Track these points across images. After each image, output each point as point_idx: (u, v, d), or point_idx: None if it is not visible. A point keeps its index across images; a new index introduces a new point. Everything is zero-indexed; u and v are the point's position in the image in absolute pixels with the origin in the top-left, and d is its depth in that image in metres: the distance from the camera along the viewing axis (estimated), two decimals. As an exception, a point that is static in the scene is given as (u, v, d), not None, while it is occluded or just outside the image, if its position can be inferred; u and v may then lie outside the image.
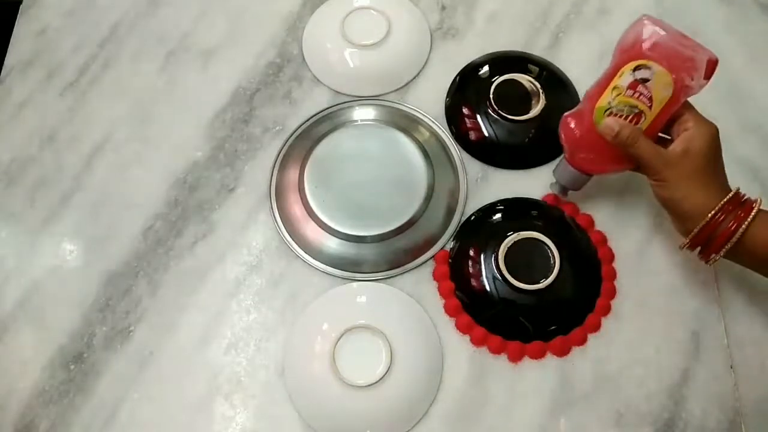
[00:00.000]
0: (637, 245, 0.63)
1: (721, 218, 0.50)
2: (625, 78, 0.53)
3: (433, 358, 0.58)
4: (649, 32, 0.53)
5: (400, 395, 0.56)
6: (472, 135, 0.68)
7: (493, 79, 0.68)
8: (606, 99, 0.54)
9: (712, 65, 0.52)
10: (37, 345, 0.60)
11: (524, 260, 0.60)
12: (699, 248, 0.53)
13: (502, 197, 0.65)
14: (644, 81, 0.52)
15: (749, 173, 0.66)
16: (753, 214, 0.50)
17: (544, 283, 0.59)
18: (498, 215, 0.64)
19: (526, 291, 0.59)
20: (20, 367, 0.59)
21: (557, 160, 0.61)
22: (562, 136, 0.58)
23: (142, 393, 0.58)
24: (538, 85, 0.67)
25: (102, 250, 0.64)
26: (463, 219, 0.65)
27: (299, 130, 0.69)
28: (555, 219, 0.64)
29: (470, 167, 0.67)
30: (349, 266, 0.62)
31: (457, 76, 0.71)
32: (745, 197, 0.52)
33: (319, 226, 0.63)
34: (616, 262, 0.62)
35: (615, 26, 0.74)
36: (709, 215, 0.50)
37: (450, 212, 0.65)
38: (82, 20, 0.75)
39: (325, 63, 0.72)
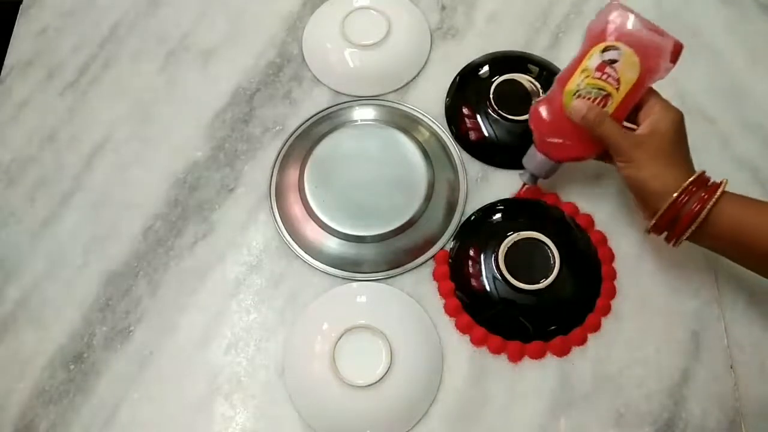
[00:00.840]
0: (637, 245, 0.63)
1: (685, 199, 0.51)
2: (593, 60, 0.54)
3: (433, 358, 0.58)
4: (618, 16, 0.54)
5: (400, 395, 0.56)
6: (472, 135, 0.68)
7: (493, 79, 0.68)
8: (575, 82, 0.55)
9: (677, 50, 0.53)
10: (37, 345, 0.60)
11: (524, 260, 0.60)
12: (665, 233, 0.53)
13: (502, 197, 0.65)
14: (612, 62, 0.53)
15: (749, 173, 0.66)
16: (717, 195, 0.50)
17: (544, 283, 0.59)
18: (498, 215, 0.64)
19: (526, 291, 0.59)
20: (20, 367, 0.59)
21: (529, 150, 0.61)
22: (532, 122, 0.58)
23: (142, 393, 0.58)
24: (538, 85, 0.67)
25: (102, 250, 0.64)
26: (463, 219, 0.65)
27: (299, 130, 0.69)
28: (555, 219, 0.64)
29: (470, 167, 0.67)
30: (349, 266, 0.62)
31: (457, 76, 0.72)
32: (711, 179, 0.52)
33: (319, 226, 0.63)
34: (616, 262, 0.62)
35: (615, 26, 0.74)
36: (674, 195, 0.50)
37: (450, 212, 0.65)
38: (82, 20, 0.75)
39: (325, 63, 0.72)
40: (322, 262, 0.63)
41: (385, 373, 0.55)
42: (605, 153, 0.56)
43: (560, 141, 0.57)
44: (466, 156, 0.68)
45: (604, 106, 0.54)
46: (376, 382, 0.55)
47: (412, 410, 0.57)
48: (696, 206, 0.50)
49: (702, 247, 0.54)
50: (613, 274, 0.62)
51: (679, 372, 0.58)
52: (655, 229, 0.54)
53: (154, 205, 0.66)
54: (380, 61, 0.70)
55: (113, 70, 0.73)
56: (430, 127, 0.69)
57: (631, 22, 0.53)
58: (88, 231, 0.65)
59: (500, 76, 0.68)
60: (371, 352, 0.56)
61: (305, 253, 0.63)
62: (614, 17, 0.54)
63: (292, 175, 0.66)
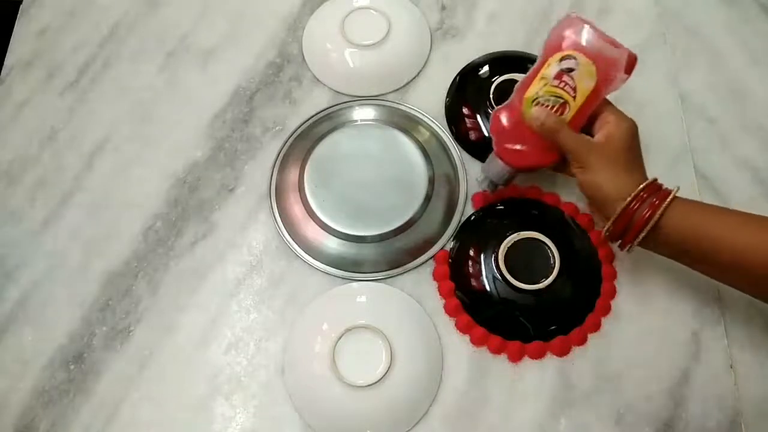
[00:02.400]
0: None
1: (637, 205, 0.51)
2: (551, 68, 0.55)
3: (433, 358, 0.58)
4: (576, 28, 0.56)
5: (400, 395, 0.56)
6: (472, 135, 0.68)
7: (493, 79, 0.68)
8: (534, 89, 0.56)
9: (632, 61, 0.54)
10: (37, 345, 0.60)
11: (524, 260, 0.60)
12: (619, 238, 0.54)
13: (502, 197, 0.65)
14: (569, 71, 0.55)
15: (749, 173, 0.66)
16: (668, 200, 0.51)
17: (544, 283, 0.59)
18: (498, 215, 0.64)
19: (526, 291, 0.59)
20: (20, 367, 0.59)
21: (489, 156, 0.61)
22: (492, 128, 0.59)
23: (142, 393, 0.58)
24: (538, 85, 0.67)
25: (102, 250, 0.64)
26: (463, 219, 0.65)
27: (299, 130, 0.69)
28: (555, 219, 0.64)
29: (470, 167, 0.67)
30: (349, 266, 0.62)
31: (457, 76, 0.71)
32: (663, 186, 0.53)
33: (319, 226, 0.63)
34: (616, 262, 0.62)
35: (615, 26, 0.73)
36: (627, 200, 0.51)
37: (450, 212, 0.65)
38: (82, 20, 0.75)
39: (325, 63, 0.72)
40: (322, 262, 0.63)
41: (385, 373, 0.55)
42: (562, 164, 0.57)
43: (519, 148, 0.58)
44: (466, 156, 0.68)
45: (562, 114, 0.55)
46: (376, 382, 0.55)
47: (412, 410, 0.57)
48: (647, 212, 0.51)
49: (657, 253, 0.54)
50: (613, 274, 0.62)
51: (679, 372, 0.58)
52: (611, 236, 0.54)
53: (154, 205, 0.66)
54: (380, 61, 0.70)
55: (113, 70, 0.73)
56: (430, 127, 0.69)
57: (588, 34, 0.55)
58: (88, 231, 0.65)
59: (500, 76, 0.68)
60: (371, 352, 0.56)
61: (305, 253, 0.63)
62: (572, 29, 0.56)
63: (292, 175, 0.66)
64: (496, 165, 0.59)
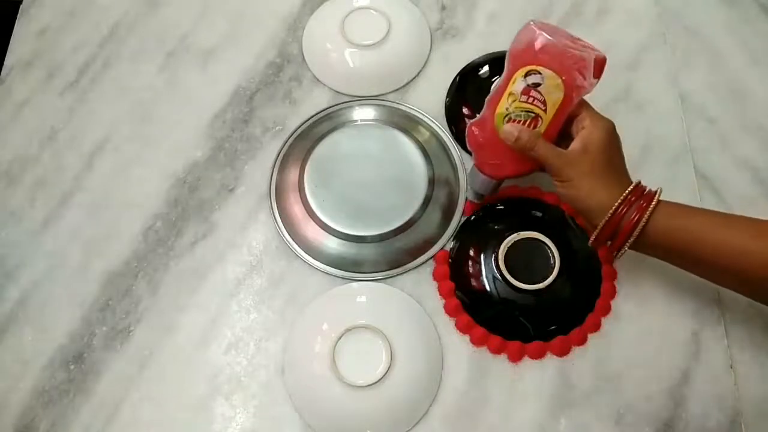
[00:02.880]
0: (637, 245, 0.63)
1: (624, 211, 0.51)
2: (518, 84, 0.54)
3: (433, 358, 0.58)
4: (537, 37, 0.54)
5: (400, 395, 0.56)
6: (472, 135, 0.68)
7: (493, 79, 0.68)
8: (503, 105, 0.55)
9: (600, 63, 0.53)
10: (37, 345, 0.60)
11: (524, 260, 0.60)
12: (609, 243, 0.54)
13: (502, 197, 0.65)
14: (536, 86, 0.54)
15: (749, 173, 0.66)
16: (654, 203, 0.51)
17: (544, 283, 0.59)
18: (498, 215, 0.64)
19: (526, 291, 0.59)
20: (20, 367, 0.59)
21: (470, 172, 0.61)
22: (469, 143, 0.59)
23: (142, 393, 0.58)
24: (538, 85, 0.67)
25: (102, 250, 0.64)
26: (463, 219, 0.65)
27: (299, 130, 0.69)
28: (555, 219, 0.64)
29: (470, 167, 0.67)
30: (349, 266, 0.62)
31: (457, 76, 0.71)
32: (647, 188, 0.53)
33: (319, 226, 0.63)
34: (616, 262, 0.62)
35: (614, 26, 0.74)
36: (613, 208, 0.51)
37: (450, 212, 0.65)
38: (82, 20, 0.75)
39: (325, 63, 0.72)
40: (322, 262, 0.63)
41: (385, 373, 0.55)
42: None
43: (497, 162, 0.58)
44: (466, 156, 0.68)
45: (535, 127, 0.55)
46: (376, 382, 0.55)
47: (412, 410, 0.57)
48: (635, 216, 0.51)
49: (649, 256, 0.54)
50: (613, 274, 0.62)
51: (679, 372, 0.58)
52: (596, 243, 0.54)
53: (154, 205, 0.66)
54: (380, 61, 0.70)
55: (113, 70, 0.73)
56: (430, 127, 0.69)
57: (550, 43, 0.53)
58: (88, 231, 0.65)
59: (500, 76, 0.68)
60: (371, 352, 0.56)
61: (305, 253, 0.63)
62: (533, 39, 0.54)
63: (292, 175, 0.66)
64: (478, 177, 0.59)
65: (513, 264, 0.60)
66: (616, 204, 0.51)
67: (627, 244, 0.52)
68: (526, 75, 0.54)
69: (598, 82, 0.54)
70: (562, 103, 0.54)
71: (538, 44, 0.53)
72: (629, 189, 0.52)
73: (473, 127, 0.58)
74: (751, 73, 0.71)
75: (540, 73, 0.53)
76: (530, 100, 0.54)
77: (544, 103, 0.54)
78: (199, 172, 0.67)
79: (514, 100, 0.55)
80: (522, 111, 0.54)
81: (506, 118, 0.55)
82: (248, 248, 0.64)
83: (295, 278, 0.62)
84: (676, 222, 0.51)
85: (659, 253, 0.54)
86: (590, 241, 0.54)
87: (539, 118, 0.54)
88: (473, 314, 0.60)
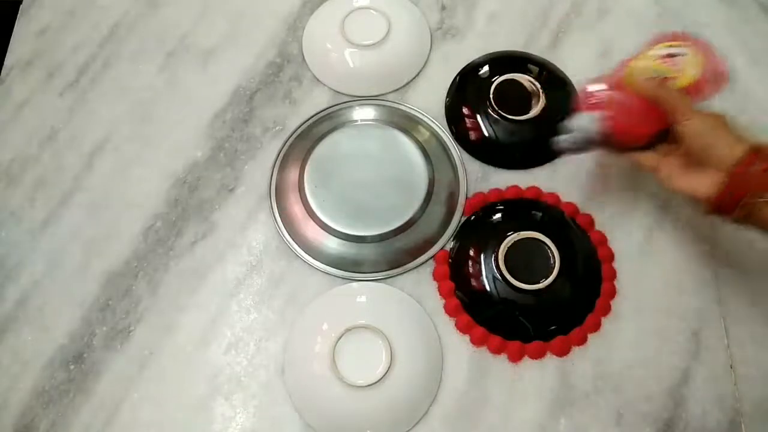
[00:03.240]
0: (637, 245, 0.63)
1: (754, 161, 0.48)
2: (659, 51, 0.56)
3: (433, 358, 0.58)
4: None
5: (400, 395, 0.56)
6: (472, 135, 0.68)
7: (493, 79, 0.68)
8: (641, 62, 0.56)
9: (723, 77, 0.55)
10: (37, 345, 0.60)
11: (524, 260, 0.60)
12: (722, 206, 0.50)
13: (502, 197, 0.65)
14: (677, 55, 0.55)
15: (749, 173, 0.66)
16: None
17: (544, 283, 0.59)
18: (498, 215, 0.64)
19: (526, 291, 0.59)
20: (20, 367, 0.59)
21: (576, 119, 0.58)
22: (599, 100, 0.57)
23: (142, 393, 0.58)
24: (538, 85, 0.67)
25: (102, 250, 0.64)
26: (463, 219, 0.65)
27: (299, 130, 0.69)
28: (555, 219, 0.64)
29: (470, 167, 0.67)
30: (349, 266, 0.62)
31: (457, 76, 0.71)
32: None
33: (319, 226, 0.63)
34: (616, 262, 0.62)
35: (615, 26, 0.74)
36: (744, 151, 0.48)
37: (450, 212, 0.65)
38: (82, 20, 0.75)
39: (325, 63, 0.72)
40: (322, 262, 0.63)
41: (385, 373, 0.55)
42: (657, 139, 0.55)
43: (622, 117, 0.56)
44: (466, 156, 0.68)
45: None
46: (376, 382, 0.55)
47: (413, 410, 0.57)
48: (766, 165, 0.47)
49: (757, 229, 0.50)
50: (613, 274, 0.62)
51: (679, 372, 0.58)
52: (718, 199, 0.49)
53: (154, 205, 0.66)
54: (380, 61, 0.70)
55: (113, 70, 0.73)
56: (430, 127, 0.69)
57: (702, 41, 0.55)
58: (88, 231, 0.65)
59: (500, 76, 0.68)
60: (371, 351, 0.56)
61: (305, 253, 0.63)
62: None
63: (292, 175, 0.66)
64: (591, 128, 0.57)
65: (513, 264, 0.60)
66: (748, 149, 0.48)
67: (760, 197, 0.47)
68: (671, 46, 0.55)
69: (721, 88, 0.55)
70: (695, 82, 0.54)
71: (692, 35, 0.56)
72: (759, 145, 0.48)
73: (596, 85, 0.57)
74: (751, 73, 0.71)
75: (685, 49, 0.55)
76: (668, 63, 0.55)
77: (679, 72, 0.54)
78: (199, 172, 0.67)
79: (653, 60, 0.55)
80: (657, 70, 0.55)
81: (639, 73, 0.56)
82: (248, 248, 0.64)
83: (295, 278, 0.62)
84: None
85: None
86: (707, 197, 0.50)
87: (670, 80, 0.54)
88: (473, 314, 0.60)
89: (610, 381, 0.58)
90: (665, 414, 0.57)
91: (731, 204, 0.49)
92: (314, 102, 0.71)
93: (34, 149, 0.68)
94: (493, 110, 0.67)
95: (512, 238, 0.60)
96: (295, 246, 0.63)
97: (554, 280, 0.59)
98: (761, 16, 0.74)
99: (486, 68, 0.71)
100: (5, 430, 0.57)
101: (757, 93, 0.70)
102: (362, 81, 0.71)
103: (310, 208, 0.63)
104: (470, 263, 0.62)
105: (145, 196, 0.66)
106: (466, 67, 0.72)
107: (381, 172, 0.65)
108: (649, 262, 0.62)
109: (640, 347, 0.59)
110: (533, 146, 0.67)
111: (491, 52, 0.72)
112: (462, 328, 0.60)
